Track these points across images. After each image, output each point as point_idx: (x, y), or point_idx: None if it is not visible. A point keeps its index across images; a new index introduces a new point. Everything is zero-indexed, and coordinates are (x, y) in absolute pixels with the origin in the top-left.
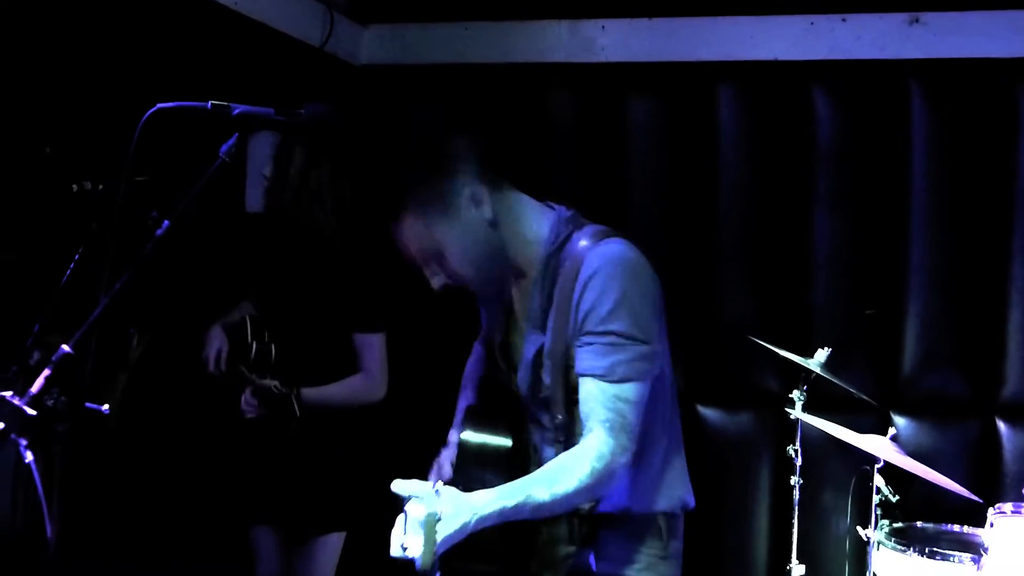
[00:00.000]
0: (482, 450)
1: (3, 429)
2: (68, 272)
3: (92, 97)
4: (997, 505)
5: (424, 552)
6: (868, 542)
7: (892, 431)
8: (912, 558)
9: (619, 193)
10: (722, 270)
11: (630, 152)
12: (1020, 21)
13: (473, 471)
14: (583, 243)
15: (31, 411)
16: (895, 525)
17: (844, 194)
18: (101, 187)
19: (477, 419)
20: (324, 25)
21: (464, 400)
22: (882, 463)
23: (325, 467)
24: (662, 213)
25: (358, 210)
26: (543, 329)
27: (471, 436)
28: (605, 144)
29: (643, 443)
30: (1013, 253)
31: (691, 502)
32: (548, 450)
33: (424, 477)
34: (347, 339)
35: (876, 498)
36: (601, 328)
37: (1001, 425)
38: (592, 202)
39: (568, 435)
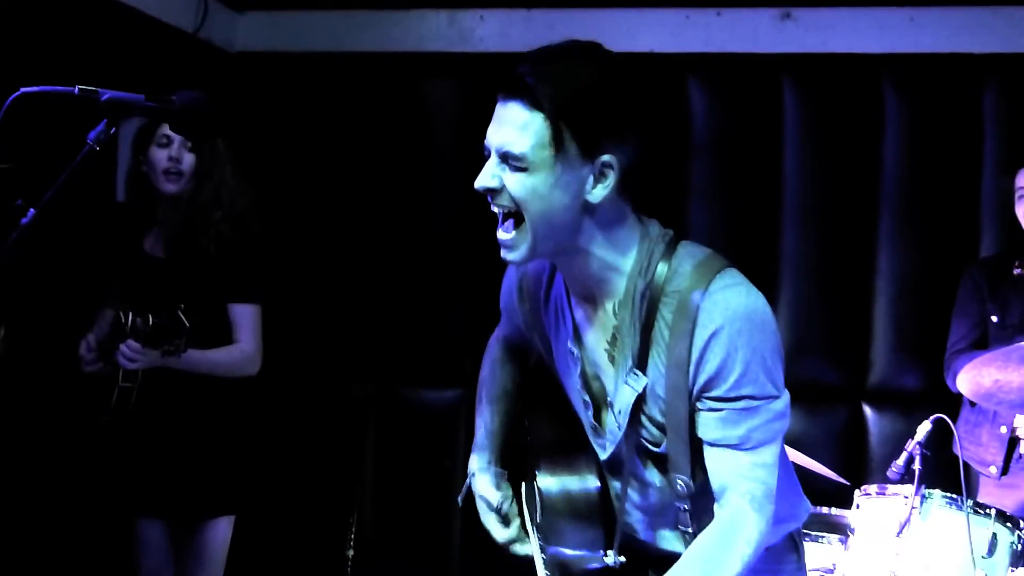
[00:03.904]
0: (568, 499)
1: None
2: None
3: None
4: (863, 487)
5: None
6: None
7: None
8: None
9: None
10: None
11: None
12: (885, 17)
13: (562, 525)
14: (691, 283)
15: None
16: None
17: (718, 184)
18: None
19: (551, 459)
20: (197, 11)
21: (481, 418)
22: None
23: (209, 451)
24: None
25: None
26: (642, 369)
27: (550, 482)
28: (483, 133)
29: None
30: (879, 243)
31: (809, 507)
32: (639, 499)
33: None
34: (222, 311)
35: None
36: (732, 394)
37: (868, 411)
38: (469, 191)
39: (695, 502)
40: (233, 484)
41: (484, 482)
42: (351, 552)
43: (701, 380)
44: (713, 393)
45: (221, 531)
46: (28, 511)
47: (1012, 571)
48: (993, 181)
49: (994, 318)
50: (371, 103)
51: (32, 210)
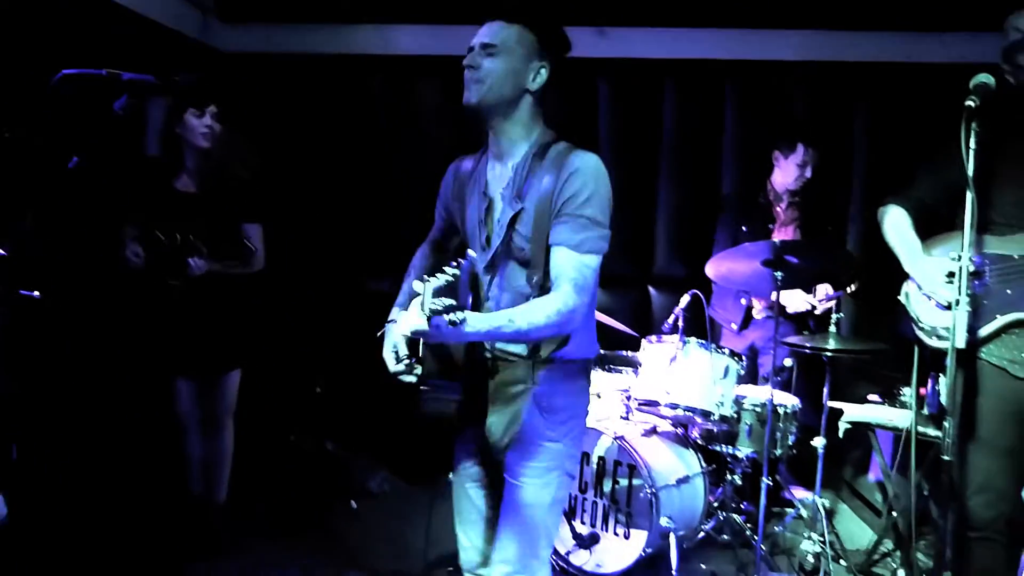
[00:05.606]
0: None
1: None
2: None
3: (19, 74)
4: (647, 337)
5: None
6: None
7: None
8: (596, 372)
9: (412, 148)
10: None
11: (420, 120)
12: (664, 35)
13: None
14: (564, 150)
15: None
16: None
17: None
18: (8, 135)
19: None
20: (200, 22)
21: (407, 283)
22: None
23: (220, 326)
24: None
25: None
26: (520, 200)
27: (420, 283)
28: (402, 114)
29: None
30: (659, 184)
31: (598, 348)
32: (499, 291)
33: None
34: (238, 228)
35: None
36: (577, 212)
37: (652, 290)
38: (389, 155)
39: (540, 292)
40: (241, 348)
41: (396, 329)
42: (319, 389)
43: (560, 201)
44: (567, 210)
45: (233, 380)
46: (98, 375)
47: (737, 387)
48: (731, 144)
49: (744, 228)
50: (325, 91)
51: (75, 158)
